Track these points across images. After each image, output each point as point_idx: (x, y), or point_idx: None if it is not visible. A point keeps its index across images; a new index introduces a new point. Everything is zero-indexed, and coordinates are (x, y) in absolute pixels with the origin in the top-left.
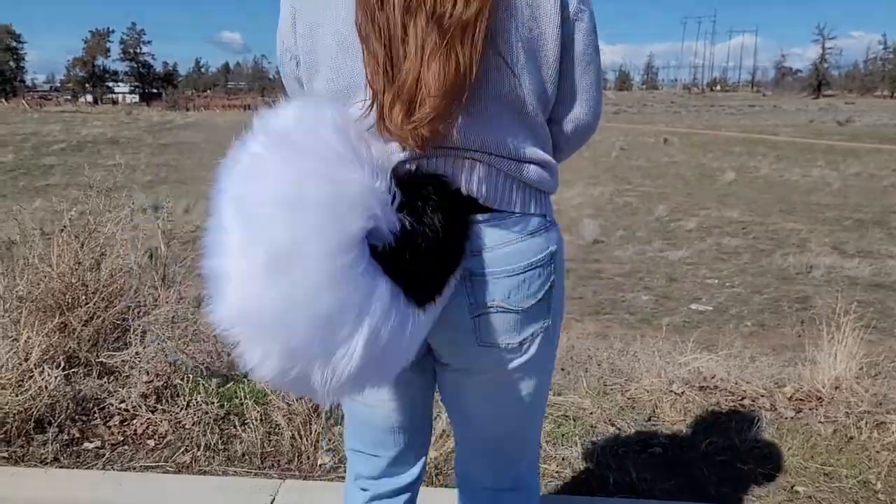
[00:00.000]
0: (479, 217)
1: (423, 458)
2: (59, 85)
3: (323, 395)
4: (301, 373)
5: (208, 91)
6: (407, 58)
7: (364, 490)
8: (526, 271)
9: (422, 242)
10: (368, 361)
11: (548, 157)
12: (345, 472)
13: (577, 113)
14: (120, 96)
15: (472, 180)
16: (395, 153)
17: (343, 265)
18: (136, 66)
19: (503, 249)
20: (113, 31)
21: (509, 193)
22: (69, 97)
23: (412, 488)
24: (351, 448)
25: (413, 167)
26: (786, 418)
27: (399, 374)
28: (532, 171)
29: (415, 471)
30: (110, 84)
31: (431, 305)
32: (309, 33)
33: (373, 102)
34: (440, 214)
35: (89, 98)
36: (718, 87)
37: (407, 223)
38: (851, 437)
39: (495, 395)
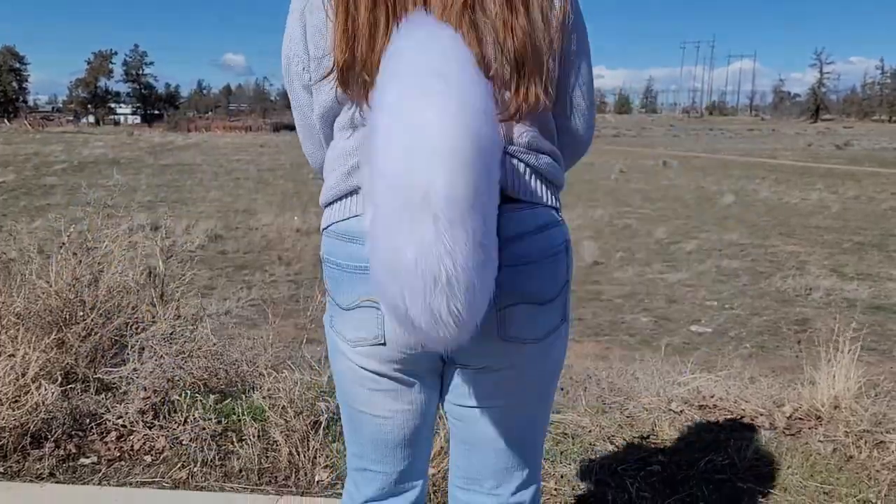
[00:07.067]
0: (503, 206)
1: (426, 475)
2: (61, 106)
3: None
4: None
5: (210, 113)
6: None
7: None
8: (546, 261)
9: None
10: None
11: (556, 150)
12: (342, 488)
13: (575, 125)
14: (122, 117)
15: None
16: None
17: None
18: (138, 87)
19: (525, 239)
20: (116, 53)
21: (526, 184)
22: (71, 118)
23: None
24: (357, 468)
25: None
26: (785, 437)
27: (412, 383)
28: (545, 161)
29: (418, 486)
30: (112, 105)
31: None
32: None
33: None
34: None
35: (91, 119)
36: (717, 112)
37: None
38: (851, 457)
39: (508, 391)
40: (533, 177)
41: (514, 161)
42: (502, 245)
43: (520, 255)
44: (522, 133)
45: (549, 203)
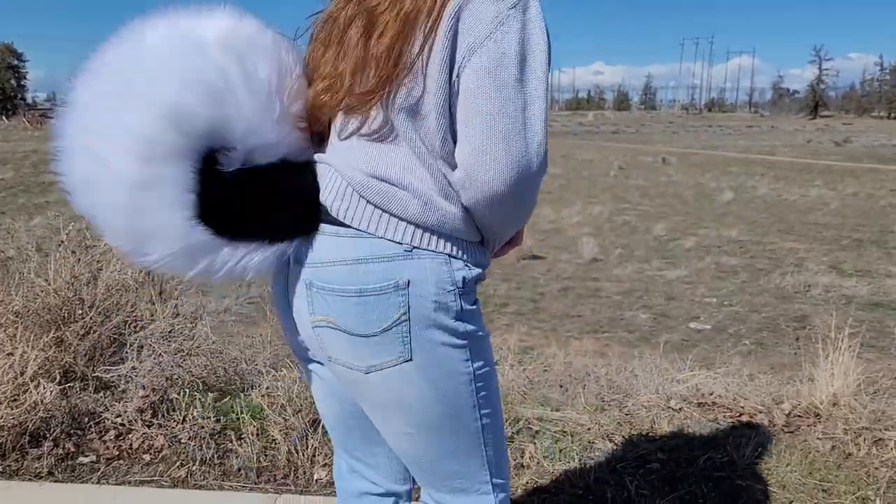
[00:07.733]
0: (325, 228)
1: (401, 476)
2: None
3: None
4: None
5: None
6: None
7: (340, 485)
8: (360, 296)
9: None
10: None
11: (414, 184)
12: None
13: (464, 160)
14: None
15: (326, 187)
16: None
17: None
18: None
19: (337, 267)
20: None
21: (353, 208)
22: None
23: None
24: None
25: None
26: (784, 434)
27: (310, 369)
28: (377, 188)
29: (388, 483)
30: None
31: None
32: None
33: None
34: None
35: None
36: (716, 108)
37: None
38: (850, 454)
39: (371, 410)
40: (362, 203)
41: (344, 185)
42: (315, 265)
43: (326, 281)
44: (369, 158)
45: (390, 237)
